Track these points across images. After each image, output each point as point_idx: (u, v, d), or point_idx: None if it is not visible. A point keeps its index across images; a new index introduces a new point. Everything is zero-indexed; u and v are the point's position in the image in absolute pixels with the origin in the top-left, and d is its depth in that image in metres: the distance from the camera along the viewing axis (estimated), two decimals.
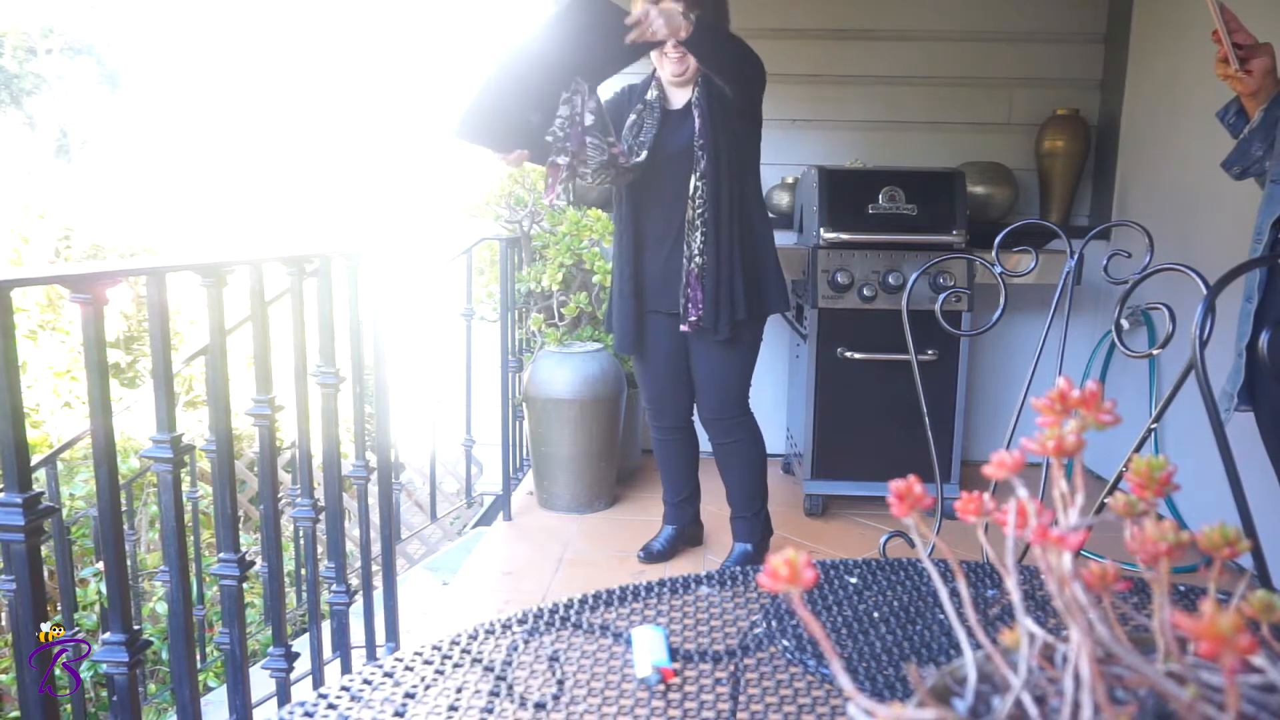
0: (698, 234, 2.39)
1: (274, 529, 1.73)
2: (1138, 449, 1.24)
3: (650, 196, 2.45)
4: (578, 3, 1.99)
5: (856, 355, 2.99)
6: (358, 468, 2.12)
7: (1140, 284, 1.41)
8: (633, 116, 2.47)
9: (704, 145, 2.36)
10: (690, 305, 2.42)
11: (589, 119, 2.19)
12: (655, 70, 2.48)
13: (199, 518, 4.10)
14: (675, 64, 2.37)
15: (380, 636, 2.09)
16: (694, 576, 0.95)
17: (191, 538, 3.64)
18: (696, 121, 2.38)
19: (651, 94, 2.47)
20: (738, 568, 0.97)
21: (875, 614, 0.87)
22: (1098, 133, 3.57)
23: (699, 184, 2.37)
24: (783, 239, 3.44)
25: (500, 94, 2.08)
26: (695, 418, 2.68)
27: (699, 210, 2.38)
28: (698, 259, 2.39)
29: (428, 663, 0.78)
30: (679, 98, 2.47)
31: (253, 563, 1.67)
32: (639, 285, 2.52)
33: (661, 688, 0.74)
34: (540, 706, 0.72)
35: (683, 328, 2.44)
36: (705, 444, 2.70)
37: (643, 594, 0.91)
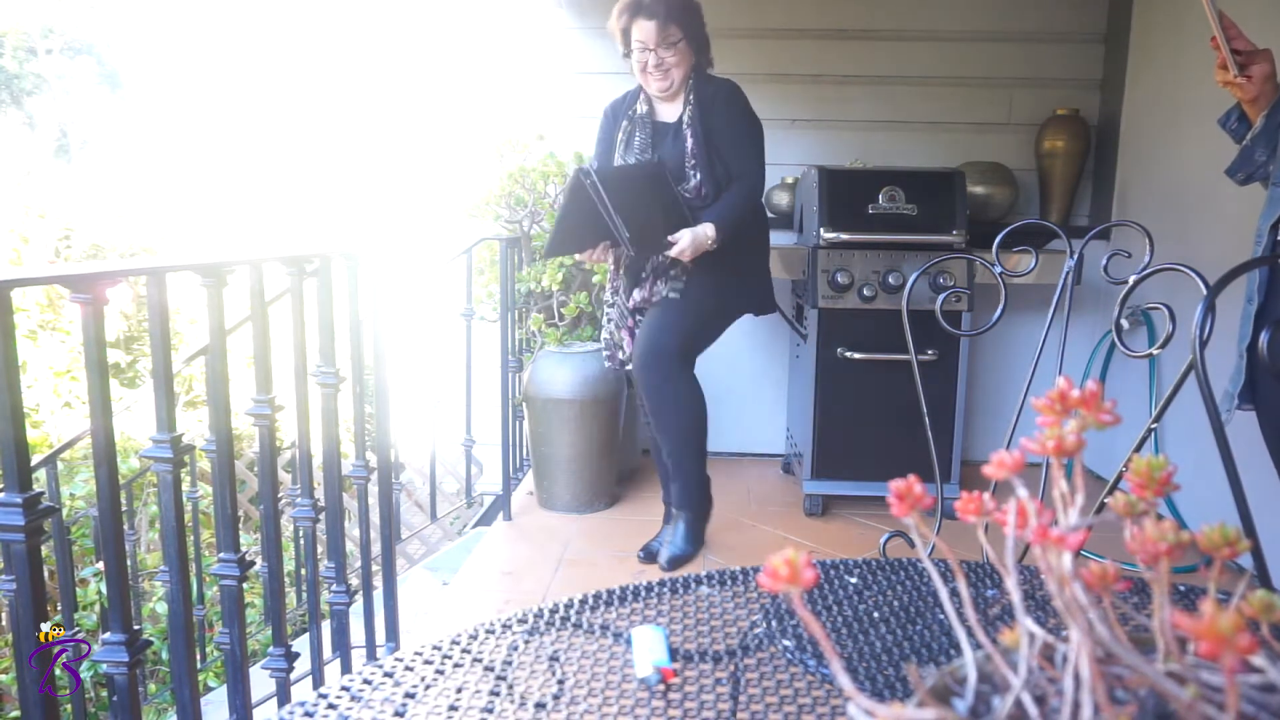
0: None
1: (274, 529, 1.73)
2: (1138, 449, 1.25)
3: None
4: (575, 191, 2.28)
5: (856, 355, 2.99)
6: (358, 468, 2.12)
7: (1140, 284, 1.41)
8: (621, 133, 2.51)
9: (695, 166, 2.41)
10: (638, 289, 2.53)
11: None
12: (641, 86, 2.51)
13: (199, 518, 4.10)
14: (659, 80, 2.40)
15: (380, 636, 2.09)
16: (694, 576, 0.95)
17: (191, 538, 3.64)
18: (689, 142, 2.41)
19: (641, 107, 2.51)
20: (738, 568, 0.97)
21: (875, 614, 0.87)
22: (1098, 133, 3.57)
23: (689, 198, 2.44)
24: (783, 239, 3.44)
25: (567, 231, 2.40)
26: None
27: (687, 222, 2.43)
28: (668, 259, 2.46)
29: (428, 663, 0.78)
30: (668, 111, 2.50)
31: (253, 563, 1.67)
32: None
33: (661, 688, 0.74)
34: (540, 706, 0.72)
35: (629, 303, 2.54)
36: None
37: (643, 594, 0.91)
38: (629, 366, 2.58)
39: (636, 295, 2.55)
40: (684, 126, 2.42)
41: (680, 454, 2.57)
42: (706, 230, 2.37)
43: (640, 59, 2.38)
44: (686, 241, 2.34)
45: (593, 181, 2.23)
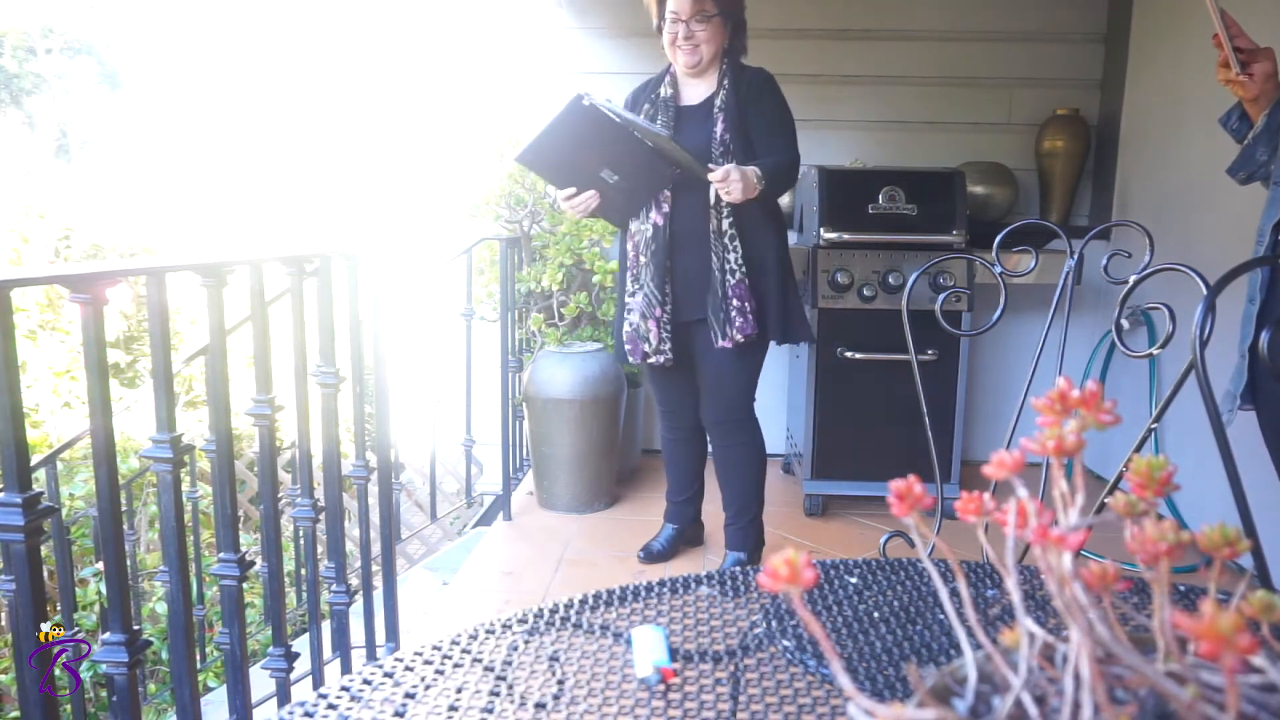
0: (732, 255, 2.32)
1: (274, 529, 1.73)
2: (1138, 449, 1.24)
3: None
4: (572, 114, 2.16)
5: (856, 355, 2.99)
6: (358, 468, 2.12)
7: (1140, 284, 1.41)
8: (643, 116, 2.39)
9: (724, 152, 2.28)
10: (740, 319, 2.33)
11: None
12: (670, 65, 2.41)
13: (199, 518, 4.10)
14: (688, 54, 2.30)
15: (380, 636, 2.09)
16: (694, 576, 0.95)
17: (191, 538, 3.64)
18: (719, 126, 2.30)
19: (665, 90, 2.40)
20: (738, 568, 0.97)
21: (875, 614, 0.87)
22: (1098, 133, 3.57)
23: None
24: None
25: (558, 143, 2.24)
26: None
27: (728, 217, 2.30)
28: (738, 272, 2.32)
29: (428, 663, 0.78)
30: (695, 92, 2.39)
31: (253, 563, 1.67)
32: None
33: (661, 688, 0.74)
34: (540, 706, 0.72)
35: (724, 343, 2.35)
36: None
37: (643, 594, 0.91)
38: (652, 360, 2.43)
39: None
40: (715, 110, 2.31)
41: (746, 499, 2.58)
42: (756, 169, 2.22)
43: (671, 30, 2.30)
44: (733, 175, 2.15)
45: (592, 104, 2.11)
